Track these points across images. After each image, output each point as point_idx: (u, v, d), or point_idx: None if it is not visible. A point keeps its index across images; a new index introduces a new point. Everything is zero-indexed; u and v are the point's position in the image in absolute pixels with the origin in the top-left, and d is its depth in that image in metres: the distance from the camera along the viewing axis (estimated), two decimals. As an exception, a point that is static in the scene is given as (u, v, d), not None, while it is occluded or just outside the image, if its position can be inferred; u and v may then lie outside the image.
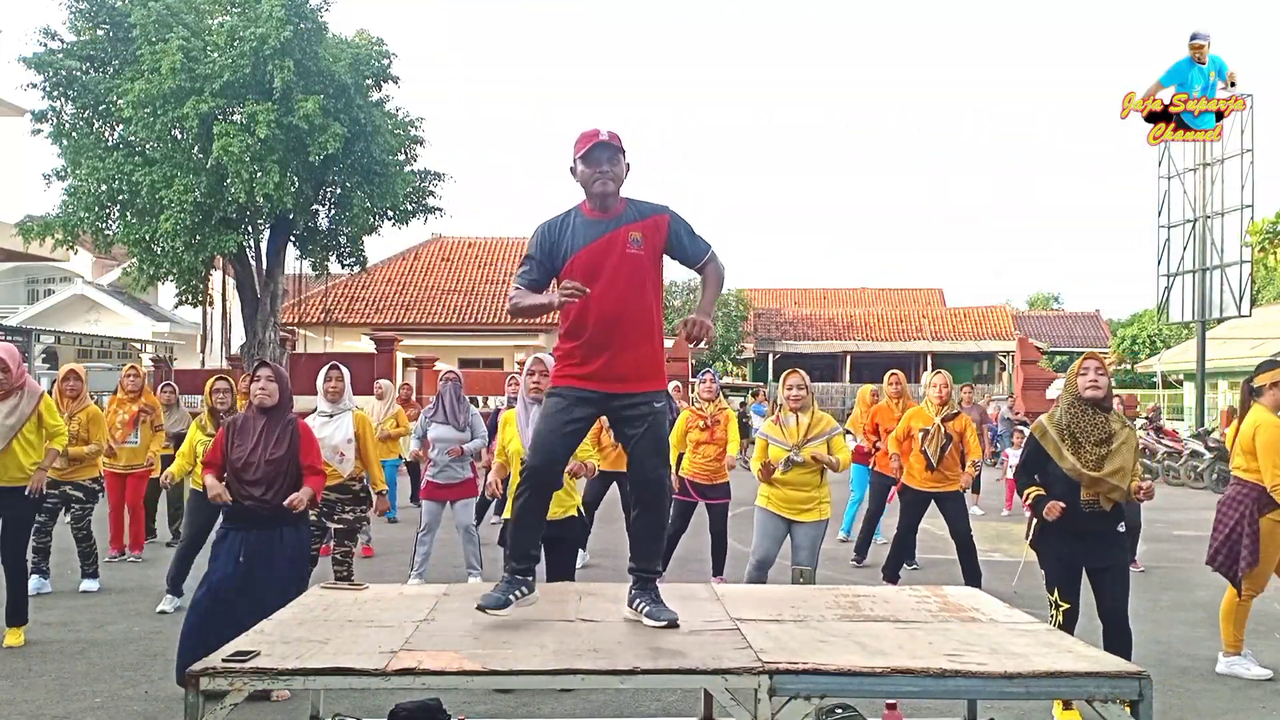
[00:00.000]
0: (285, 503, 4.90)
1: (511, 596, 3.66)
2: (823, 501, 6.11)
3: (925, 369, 39.94)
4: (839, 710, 3.97)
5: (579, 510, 5.43)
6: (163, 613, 6.85)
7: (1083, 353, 5.04)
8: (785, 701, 2.99)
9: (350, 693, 4.43)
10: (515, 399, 10.08)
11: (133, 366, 9.28)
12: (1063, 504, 4.62)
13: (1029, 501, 4.80)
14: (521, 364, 29.66)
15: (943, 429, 7.36)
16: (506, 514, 5.30)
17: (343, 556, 6.43)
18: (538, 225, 3.78)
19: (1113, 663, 3.23)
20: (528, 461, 3.81)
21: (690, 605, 3.97)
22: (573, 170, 3.69)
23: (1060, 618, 4.67)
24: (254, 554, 4.85)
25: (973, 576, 7.23)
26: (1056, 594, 4.72)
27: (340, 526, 6.33)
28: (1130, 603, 4.79)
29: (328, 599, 4.06)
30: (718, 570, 7.69)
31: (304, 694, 4.37)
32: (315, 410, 6.34)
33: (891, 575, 7.49)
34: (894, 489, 8.11)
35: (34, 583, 7.28)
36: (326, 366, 6.41)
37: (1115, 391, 5.40)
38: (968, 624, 3.70)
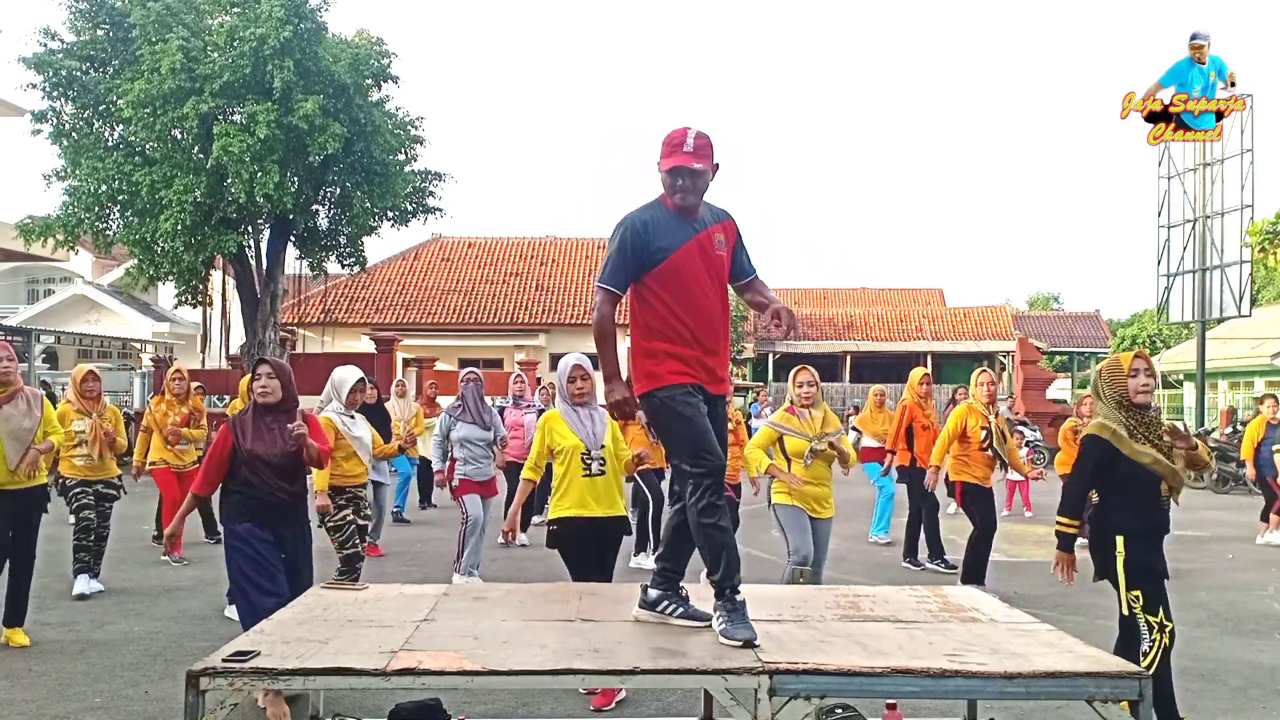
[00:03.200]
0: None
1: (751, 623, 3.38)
2: (832, 497, 6.25)
3: (925, 369, 39.91)
4: (839, 710, 3.97)
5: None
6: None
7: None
8: (785, 701, 2.99)
9: (350, 693, 4.43)
10: (519, 396, 10.19)
11: (178, 370, 9.34)
12: (1074, 568, 4.40)
13: (1059, 530, 4.44)
14: (523, 363, 29.49)
15: (997, 424, 7.50)
16: (552, 514, 5.24)
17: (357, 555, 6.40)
18: (626, 220, 3.61)
19: (1113, 663, 3.23)
20: (708, 463, 3.47)
21: (690, 605, 3.97)
22: (659, 166, 3.62)
23: (1166, 639, 4.23)
24: (294, 549, 4.86)
25: (977, 574, 7.27)
26: (1161, 614, 4.24)
27: (364, 523, 6.39)
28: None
29: (328, 599, 4.06)
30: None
31: (304, 694, 4.36)
32: (329, 408, 6.27)
33: (979, 578, 7.39)
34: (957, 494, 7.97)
35: (85, 583, 7.39)
36: (352, 373, 6.31)
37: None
38: (968, 624, 3.70)
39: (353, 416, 6.37)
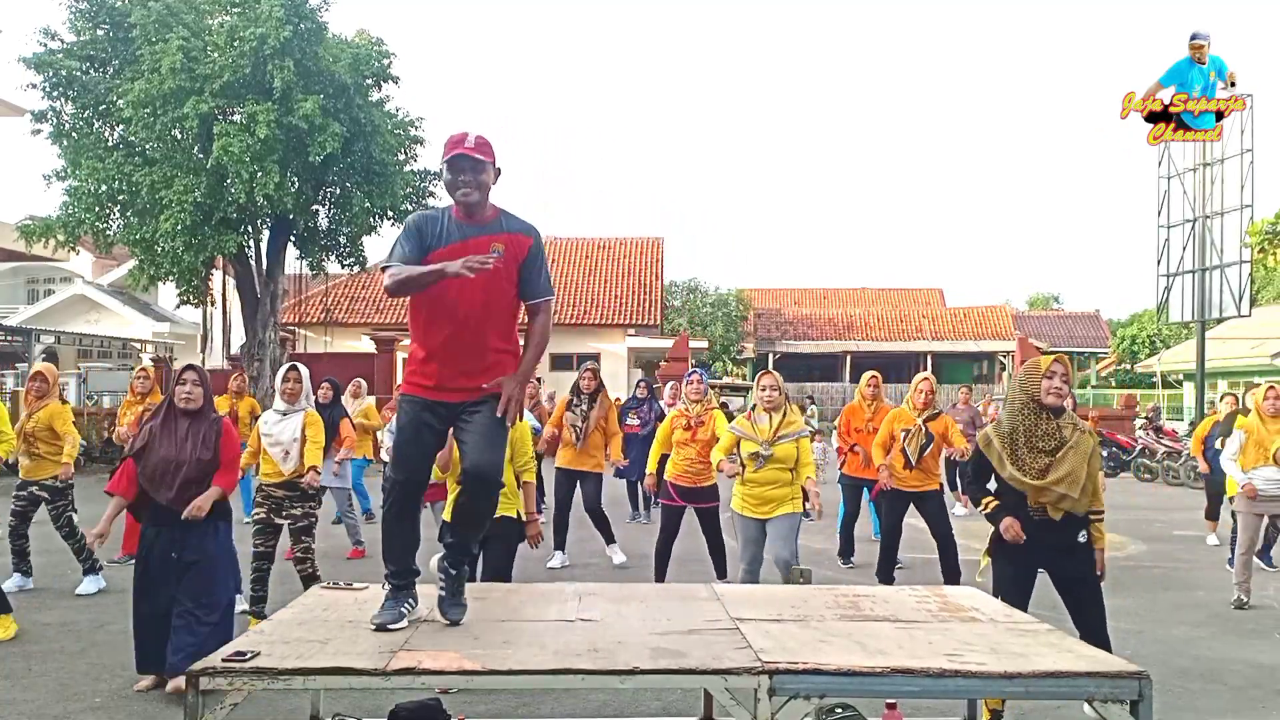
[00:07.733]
0: (184, 514, 4.90)
1: (402, 609, 3.61)
2: (794, 497, 6.17)
3: (924, 369, 39.97)
4: (839, 710, 3.97)
5: (517, 512, 5.43)
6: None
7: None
8: (785, 701, 2.99)
9: (350, 693, 4.43)
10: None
11: (143, 369, 9.25)
12: (1018, 520, 4.47)
13: (986, 513, 4.65)
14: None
15: (924, 429, 7.49)
16: (445, 515, 5.25)
17: (303, 554, 6.34)
18: (411, 216, 3.72)
19: (1113, 663, 3.23)
20: (391, 474, 3.78)
21: (690, 605, 3.98)
22: (441, 173, 3.64)
23: None
24: (183, 547, 4.95)
25: (952, 576, 7.30)
26: (1000, 600, 4.45)
27: (290, 524, 6.27)
28: (1130, 603, 4.72)
29: (328, 599, 4.06)
30: (720, 574, 7.51)
31: (304, 694, 4.36)
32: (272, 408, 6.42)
33: (885, 576, 7.51)
34: (874, 490, 8.14)
35: (15, 580, 7.33)
36: (285, 367, 6.43)
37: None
38: (968, 624, 3.71)
39: (284, 415, 6.28)
